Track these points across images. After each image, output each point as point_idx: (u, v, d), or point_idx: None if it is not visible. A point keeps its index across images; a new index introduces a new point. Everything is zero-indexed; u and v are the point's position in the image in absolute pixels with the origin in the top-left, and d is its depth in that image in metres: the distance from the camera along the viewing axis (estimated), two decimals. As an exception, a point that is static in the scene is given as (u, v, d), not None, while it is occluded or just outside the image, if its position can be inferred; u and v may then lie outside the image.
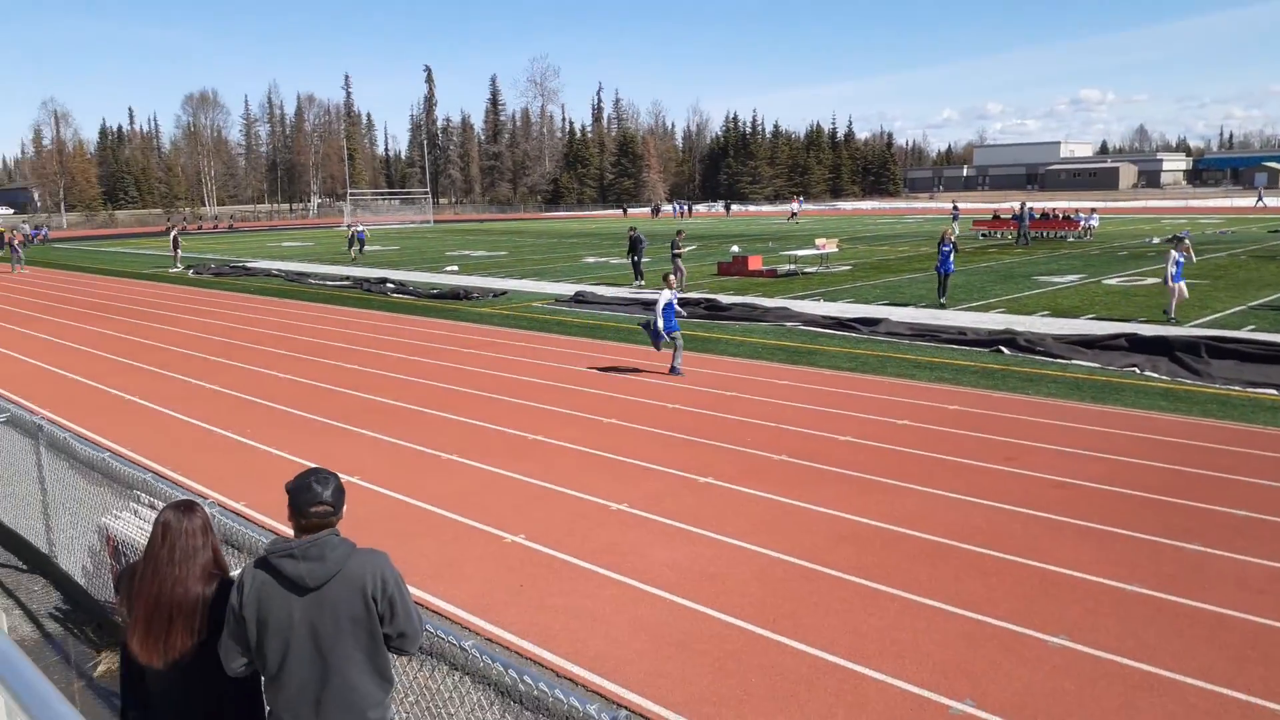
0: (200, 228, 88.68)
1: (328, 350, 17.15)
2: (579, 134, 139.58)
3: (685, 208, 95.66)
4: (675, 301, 14.45)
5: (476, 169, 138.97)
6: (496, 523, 8.00)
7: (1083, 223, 41.67)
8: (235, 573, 3.53)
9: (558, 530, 7.81)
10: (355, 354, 16.69)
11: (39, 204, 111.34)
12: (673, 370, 14.13)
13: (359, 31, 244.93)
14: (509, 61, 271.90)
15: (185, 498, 3.89)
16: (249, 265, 38.31)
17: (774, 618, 6.14)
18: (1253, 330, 16.24)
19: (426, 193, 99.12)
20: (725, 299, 22.50)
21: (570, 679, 5.44)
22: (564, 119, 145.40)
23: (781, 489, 8.68)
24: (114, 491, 5.91)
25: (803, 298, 23.09)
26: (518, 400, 12.67)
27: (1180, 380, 12.87)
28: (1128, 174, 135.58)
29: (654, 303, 14.55)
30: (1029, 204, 45.17)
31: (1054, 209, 48.28)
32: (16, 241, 39.21)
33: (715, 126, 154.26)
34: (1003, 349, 15.26)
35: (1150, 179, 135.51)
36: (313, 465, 4.62)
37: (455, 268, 35.57)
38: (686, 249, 27.57)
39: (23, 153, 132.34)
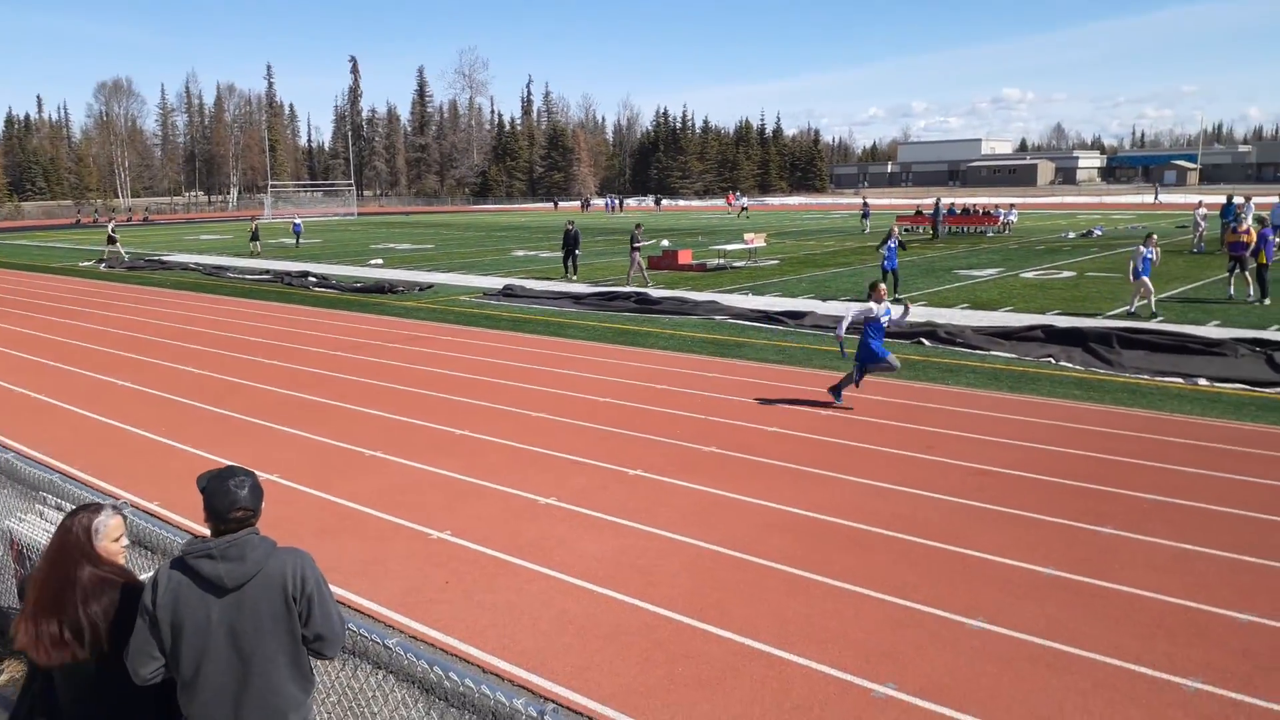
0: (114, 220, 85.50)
1: (246, 345, 16.70)
2: (508, 127, 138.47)
3: (616, 202, 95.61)
4: (884, 317, 11.05)
5: (403, 161, 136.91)
6: (422, 519, 7.89)
7: (1002, 218, 42.85)
8: (145, 576, 3.42)
9: (486, 526, 7.74)
10: (275, 349, 16.29)
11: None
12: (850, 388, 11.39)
13: (282, 20, 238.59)
14: (437, 53, 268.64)
15: (95, 500, 3.75)
16: (165, 259, 37.09)
17: (702, 607, 6.18)
18: (1161, 322, 16.89)
19: (350, 185, 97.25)
20: (655, 292, 22.56)
21: (497, 674, 5.39)
22: (493, 111, 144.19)
23: (711, 480, 8.74)
24: (18, 494, 5.66)
25: (731, 291, 23.29)
26: (444, 395, 12.51)
27: (1093, 370, 13.32)
28: (1045, 171, 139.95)
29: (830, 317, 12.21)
30: (944, 200, 46.43)
31: (975, 205, 49.54)
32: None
33: (646, 121, 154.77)
34: (924, 341, 15.61)
35: (1067, 176, 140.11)
36: (228, 463, 4.47)
37: (380, 261, 34.96)
38: (646, 242, 27.51)
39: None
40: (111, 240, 37.00)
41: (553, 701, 4.99)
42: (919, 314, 18.27)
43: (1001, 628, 5.81)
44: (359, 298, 23.89)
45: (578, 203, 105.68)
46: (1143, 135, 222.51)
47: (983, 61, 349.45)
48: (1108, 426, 10.33)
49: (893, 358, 11.21)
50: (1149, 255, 17.80)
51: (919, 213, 47.76)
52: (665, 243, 35.22)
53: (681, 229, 52.62)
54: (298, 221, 47.65)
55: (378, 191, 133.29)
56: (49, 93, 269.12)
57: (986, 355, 14.50)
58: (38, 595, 3.28)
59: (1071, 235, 39.28)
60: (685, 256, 30.32)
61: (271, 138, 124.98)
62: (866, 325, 10.91)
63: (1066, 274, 25.22)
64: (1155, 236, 18.46)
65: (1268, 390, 11.89)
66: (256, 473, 3.69)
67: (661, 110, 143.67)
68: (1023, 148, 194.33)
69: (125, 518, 3.59)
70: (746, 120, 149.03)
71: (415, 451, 9.87)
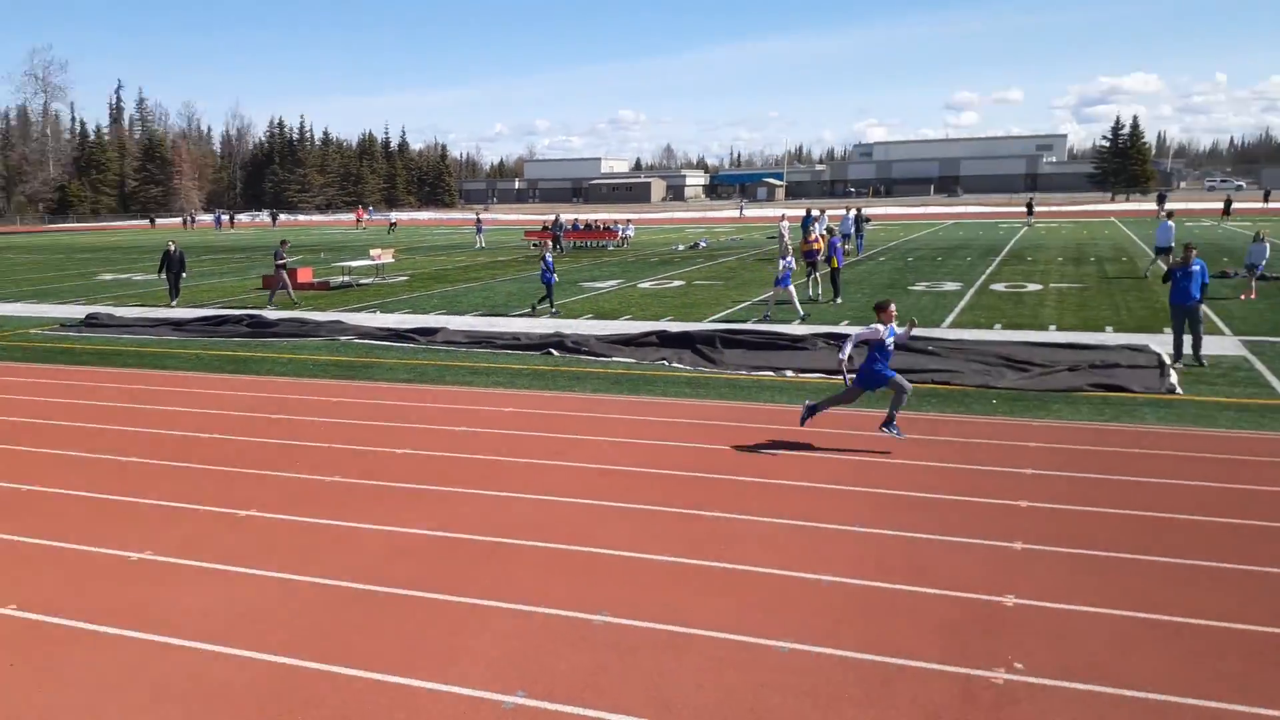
0: None
1: None
2: (93, 136, 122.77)
3: (226, 217, 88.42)
4: (889, 339, 9.81)
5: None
6: (-26, 596, 6.58)
7: (620, 233, 45.62)
8: None
9: (61, 593, 6.64)
10: None
11: None
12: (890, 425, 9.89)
13: None
14: (2, 52, 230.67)
15: None
16: None
17: (324, 649, 5.75)
18: (756, 322, 18.86)
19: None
20: (272, 314, 21.05)
21: (73, 767, 4.60)
22: (74, 119, 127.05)
23: (333, 512, 8.23)
24: None
25: (358, 310, 22.41)
26: (3, 446, 10.64)
27: (700, 369, 14.51)
28: (658, 188, 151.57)
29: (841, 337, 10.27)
30: (565, 216, 48.91)
31: (595, 220, 52.28)
32: None
33: (259, 132, 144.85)
34: (552, 351, 16.07)
35: (676, 193, 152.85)
36: None
37: (-75, 292, 29.21)
38: (292, 259, 25.33)
39: None
40: None
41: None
42: (548, 325, 18.79)
43: (622, 618, 6.04)
44: (-109, 336, 19.71)
45: (180, 219, 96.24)
46: (739, 155, 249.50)
47: (600, 82, 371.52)
48: (713, 419, 11.26)
49: (901, 379, 9.87)
50: (791, 265, 19.68)
51: (545, 228, 49.41)
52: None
53: (304, 245, 49.85)
54: None
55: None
56: None
57: (610, 361, 15.23)
58: None
59: (681, 248, 42.78)
60: (305, 274, 28.69)
61: None
62: (872, 349, 9.79)
63: (677, 283, 27.39)
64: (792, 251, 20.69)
65: (835, 377, 13.67)
66: None
67: (276, 120, 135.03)
68: (638, 166, 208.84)
69: None
70: (370, 133, 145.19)
71: (-35, 515, 8.24)
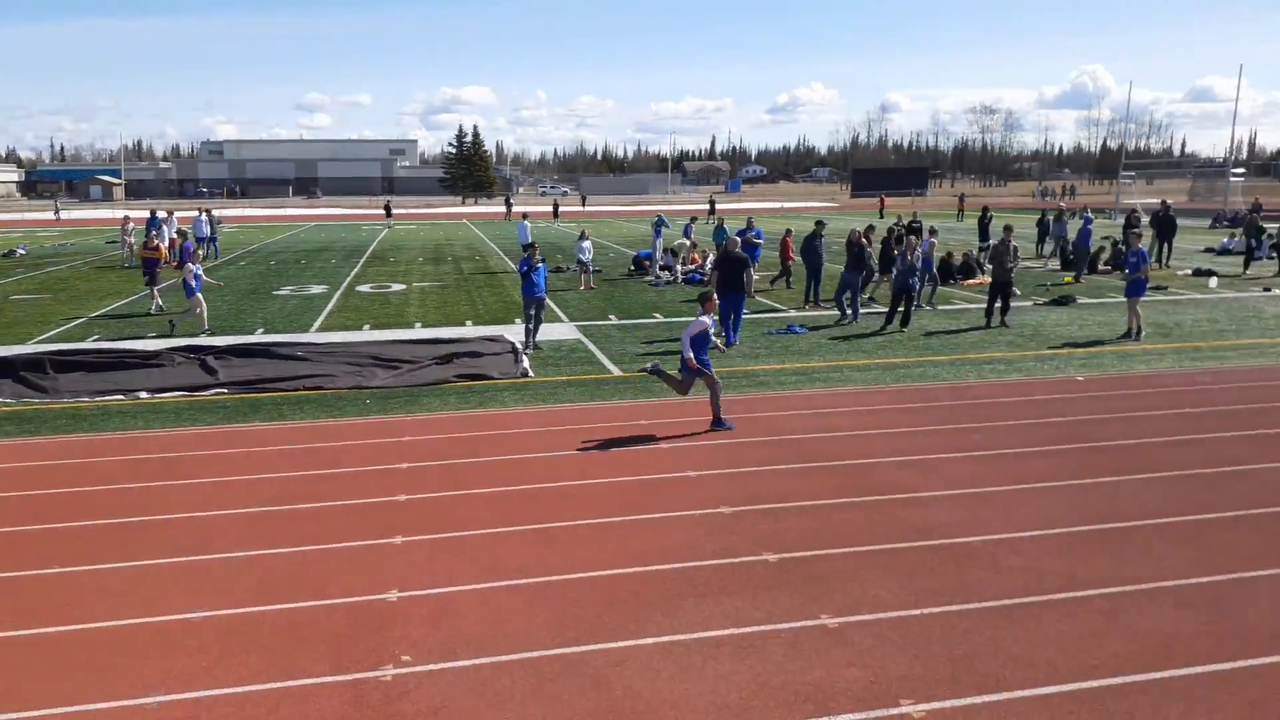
0: None
1: None
2: None
3: None
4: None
5: None
6: None
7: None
8: None
9: None
10: None
11: None
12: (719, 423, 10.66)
13: None
14: None
15: None
16: None
17: None
18: (97, 339, 16.53)
19: None
20: None
21: None
22: None
23: None
24: None
25: None
26: None
27: (29, 401, 12.25)
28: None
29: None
30: None
31: None
32: None
33: None
34: None
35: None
36: None
37: None
38: None
39: None
40: None
41: None
42: None
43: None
44: None
45: None
46: (63, 148, 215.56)
47: None
48: (51, 459, 9.59)
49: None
50: (198, 275, 16.95)
51: None
52: None
53: None
54: None
55: None
56: None
57: (-109, 403, 12.02)
58: None
59: (-7, 255, 35.65)
60: None
61: None
62: (698, 337, 10.60)
63: (-11, 298, 22.71)
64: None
65: (203, 394, 12.65)
66: None
67: None
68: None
69: None
70: None
71: None
